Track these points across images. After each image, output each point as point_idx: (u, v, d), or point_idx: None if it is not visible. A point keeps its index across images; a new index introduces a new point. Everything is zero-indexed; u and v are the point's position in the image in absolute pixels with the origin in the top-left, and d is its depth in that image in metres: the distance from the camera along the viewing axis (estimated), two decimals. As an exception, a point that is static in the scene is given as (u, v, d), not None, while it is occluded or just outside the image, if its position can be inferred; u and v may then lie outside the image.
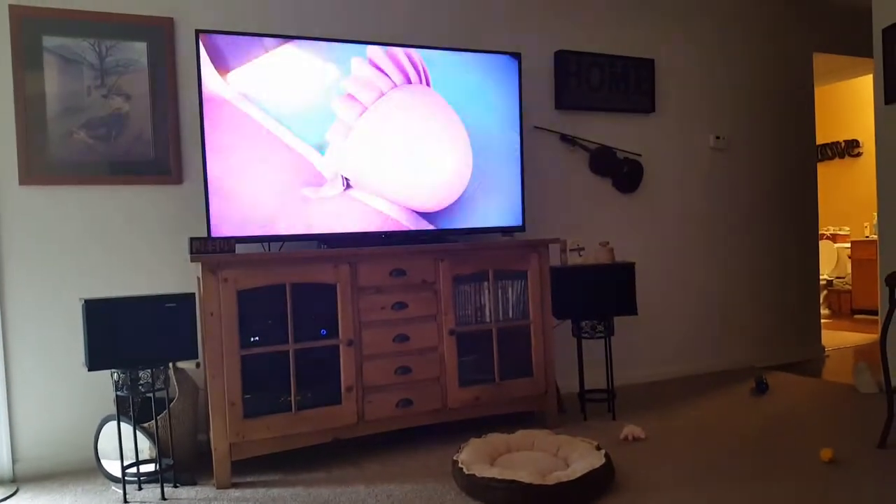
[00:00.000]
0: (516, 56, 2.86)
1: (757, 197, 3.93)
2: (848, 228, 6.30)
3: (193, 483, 2.23)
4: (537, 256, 2.71)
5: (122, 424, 2.18)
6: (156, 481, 2.18)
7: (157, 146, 2.59)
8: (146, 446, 2.25)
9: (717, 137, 3.77)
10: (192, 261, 2.18)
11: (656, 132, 3.61)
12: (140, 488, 2.20)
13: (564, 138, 3.33)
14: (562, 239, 2.95)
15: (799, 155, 4.08)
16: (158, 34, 2.57)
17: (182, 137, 2.63)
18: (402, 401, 2.46)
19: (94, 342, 2.02)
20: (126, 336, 2.06)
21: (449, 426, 2.63)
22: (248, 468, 2.33)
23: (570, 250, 3.01)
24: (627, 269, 2.83)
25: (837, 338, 4.72)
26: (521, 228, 2.90)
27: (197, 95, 2.41)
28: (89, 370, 2.02)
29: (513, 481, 1.90)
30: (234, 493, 2.14)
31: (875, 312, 5.18)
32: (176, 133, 2.61)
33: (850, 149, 6.34)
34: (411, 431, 2.57)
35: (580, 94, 3.35)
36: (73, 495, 2.17)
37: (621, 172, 3.48)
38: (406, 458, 2.40)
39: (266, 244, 2.56)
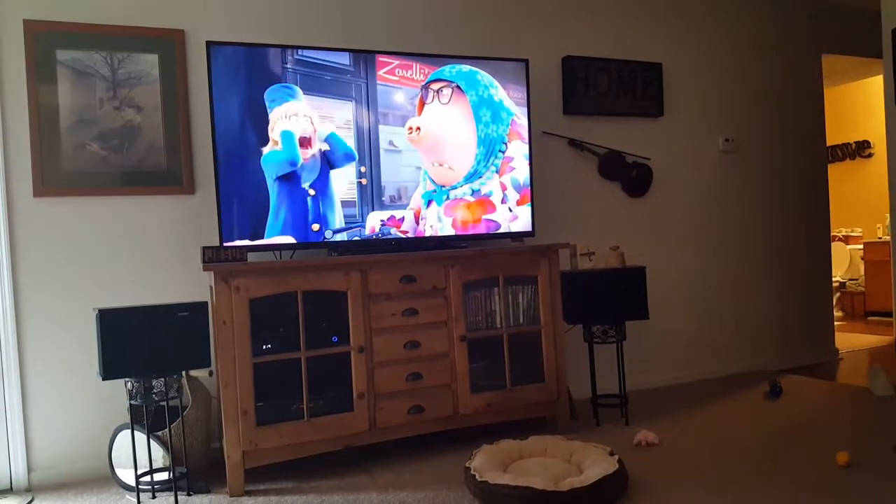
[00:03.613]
0: (524, 62, 2.87)
1: (767, 199, 3.91)
2: (860, 230, 6.25)
3: (207, 491, 2.24)
4: (547, 261, 2.71)
5: (136, 433, 2.19)
6: (169, 489, 2.18)
7: (170, 157, 2.61)
8: (160, 455, 2.27)
9: (727, 140, 3.76)
10: (204, 269, 2.20)
11: (665, 136, 3.60)
12: (154, 496, 2.21)
13: (573, 143, 3.33)
14: (572, 244, 2.95)
15: (809, 156, 4.06)
16: (170, 46, 2.60)
17: (194, 148, 2.65)
18: (414, 407, 2.46)
19: (107, 351, 2.03)
20: (139, 345, 2.07)
21: (461, 433, 2.62)
22: (261, 476, 2.34)
23: (581, 255, 3.01)
24: (638, 273, 2.82)
25: (851, 340, 4.67)
26: (531, 234, 2.89)
27: (208, 106, 2.43)
28: (103, 379, 2.03)
29: (526, 487, 1.89)
30: (248, 500, 2.15)
31: (889, 314, 5.13)
32: (188, 144, 2.64)
33: (860, 150, 6.30)
34: (423, 438, 2.57)
35: (588, 100, 3.36)
36: (88, 504, 2.19)
37: (630, 176, 3.47)
38: (418, 465, 2.40)
39: (277, 252, 2.58)
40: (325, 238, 2.51)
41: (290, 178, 2.45)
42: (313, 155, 2.47)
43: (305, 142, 2.45)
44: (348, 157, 2.53)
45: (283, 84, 2.44)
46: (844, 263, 6.02)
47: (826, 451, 2.32)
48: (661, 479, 2.14)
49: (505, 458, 2.18)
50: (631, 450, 2.44)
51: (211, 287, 2.28)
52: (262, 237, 2.42)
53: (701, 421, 2.81)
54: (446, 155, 2.70)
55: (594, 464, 2.04)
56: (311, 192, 2.47)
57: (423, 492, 2.13)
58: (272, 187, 2.42)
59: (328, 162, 2.50)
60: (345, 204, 2.54)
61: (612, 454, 2.11)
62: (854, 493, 1.95)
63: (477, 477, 2.01)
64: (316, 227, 2.49)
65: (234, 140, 2.38)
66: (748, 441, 2.50)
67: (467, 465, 2.11)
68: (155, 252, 2.60)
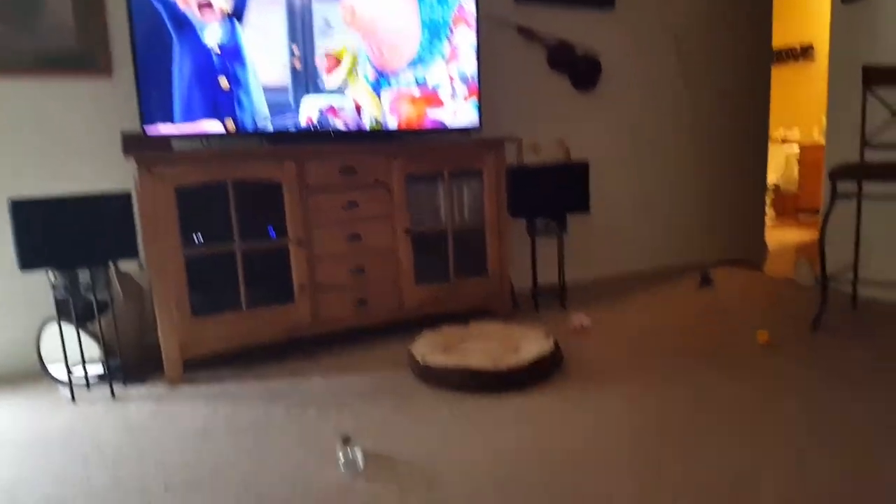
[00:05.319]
0: (469, -63, 2.67)
1: (712, 98, 3.91)
2: (797, 130, 6.42)
3: (143, 382, 2.21)
4: (493, 155, 2.66)
5: (65, 326, 2.11)
6: (104, 382, 2.14)
7: (82, 36, 2.36)
8: (95, 350, 2.20)
9: (676, 36, 3.68)
10: (125, 157, 2.05)
11: (615, 30, 3.49)
12: (88, 388, 2.16)
13: (521, 31, 3.20)
14: (517, 137, 2.89)
15: (755, 57, 4.04)
16: None
17: (110, 26, 2.40)
18: (358, 300, 2.45)
19: (23, 242, 1.91)
20: (60, 236, 1.95)
21: (405, 325, 2.65)
22: (201, 368, 2.32)
23: (526, 148, 2.97)
24: (582, 169, 2.82)
25: (781, 236, 4.91)
26: (478, 129, 2.82)
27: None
28: (21, 269, 1.92)
29: (466, 367, 1.94)
30: (187, 388, 2.13)
31: (818, 211, 5.37)
32: (102, 22, 2.38)
33: (805, 53, 6.34)
34: (368, 331, 2.58)
35: (537, -16, 3.19)
36: (17, 400, 2.13)
37: (579, 70, 3.39)
38: (363, 353, 2.42)
39: (205, 140, 2.42)
40: (258, 127, 2.37)
41: (190, 38, 2.23)
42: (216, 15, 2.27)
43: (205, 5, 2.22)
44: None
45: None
46: (780, 167, 6.21)
47: (748, 331, 2.46)
48: (594, 358, 2.24)
49: (446, 343, 2.22)
50: (567, 333, 2.53)
51: (134, 176, 2.14)
52: (185, 121, 2.26)
53: (633, 307, 2.93)
54: (387, 40, 2.54)
55: (531, 344, 2.11)
56: (219, 50, 2.28)
57: (368, 375, 2.17)
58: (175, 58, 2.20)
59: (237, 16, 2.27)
60: (276, 90, 2.38)
61: (547, 336, 2.18)
62: (770, 367, 2.09)
63: (419, 360, 2.04)
64: (231, 124, 2.33)
65: (154, 14, 2.15)
66: (676, 324, 2.62)
67: (410, 348, 2.15)
68: (74, 139, 2.40)
